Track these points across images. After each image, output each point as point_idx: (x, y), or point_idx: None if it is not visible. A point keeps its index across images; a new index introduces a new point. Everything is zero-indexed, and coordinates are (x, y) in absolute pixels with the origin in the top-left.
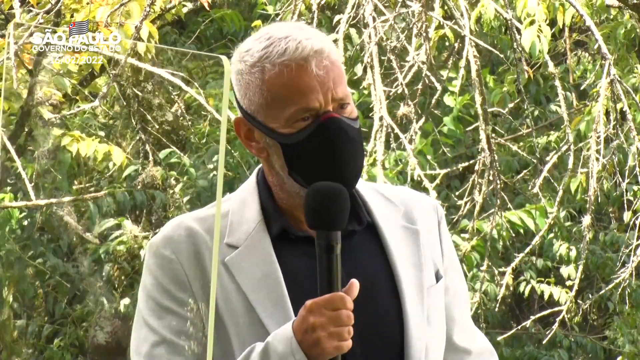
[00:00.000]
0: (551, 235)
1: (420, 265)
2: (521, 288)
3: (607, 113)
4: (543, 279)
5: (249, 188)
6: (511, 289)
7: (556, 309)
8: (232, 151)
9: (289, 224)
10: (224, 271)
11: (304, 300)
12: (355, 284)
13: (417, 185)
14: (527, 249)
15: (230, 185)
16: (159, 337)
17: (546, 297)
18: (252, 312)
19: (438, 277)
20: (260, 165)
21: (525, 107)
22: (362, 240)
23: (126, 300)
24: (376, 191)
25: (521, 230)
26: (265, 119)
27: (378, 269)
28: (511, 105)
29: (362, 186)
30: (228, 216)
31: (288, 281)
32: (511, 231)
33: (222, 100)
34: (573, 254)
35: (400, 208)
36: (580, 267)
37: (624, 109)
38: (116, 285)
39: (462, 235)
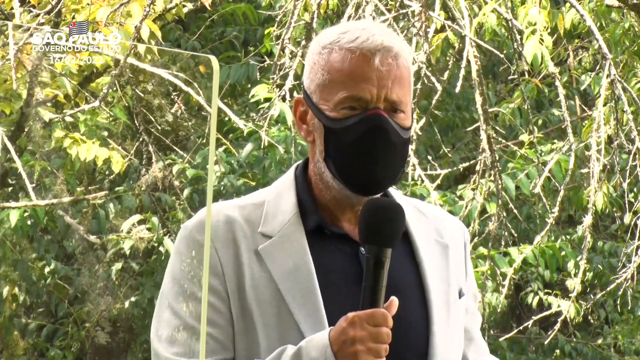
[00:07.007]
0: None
1: (448, 279)
2: (529, 299)
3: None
4: (550, 291)
5: (286, 181)
6: (518, 298)
7: (557, 309)
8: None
9: (325, 219)
10: (255, 260)
11: (333, 294)
12: (395, 301)
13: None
14: (528, 250)
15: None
16: (182, 322)
17: (554, 309)
18: (281, 301)
19: (460, 295)
20: (298, 162)
21: (530, 119)
22: (396, 247)
23: (131, 299)
24: (410, 203)
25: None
26: (319, 100)
27: (408, 277)
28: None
29: (398, 197)
30: (263, 206)
31: (319, 275)
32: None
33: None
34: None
35: (432, 222)
36: (581, 268)
37: (624, 109)
38: (120, 285)
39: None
